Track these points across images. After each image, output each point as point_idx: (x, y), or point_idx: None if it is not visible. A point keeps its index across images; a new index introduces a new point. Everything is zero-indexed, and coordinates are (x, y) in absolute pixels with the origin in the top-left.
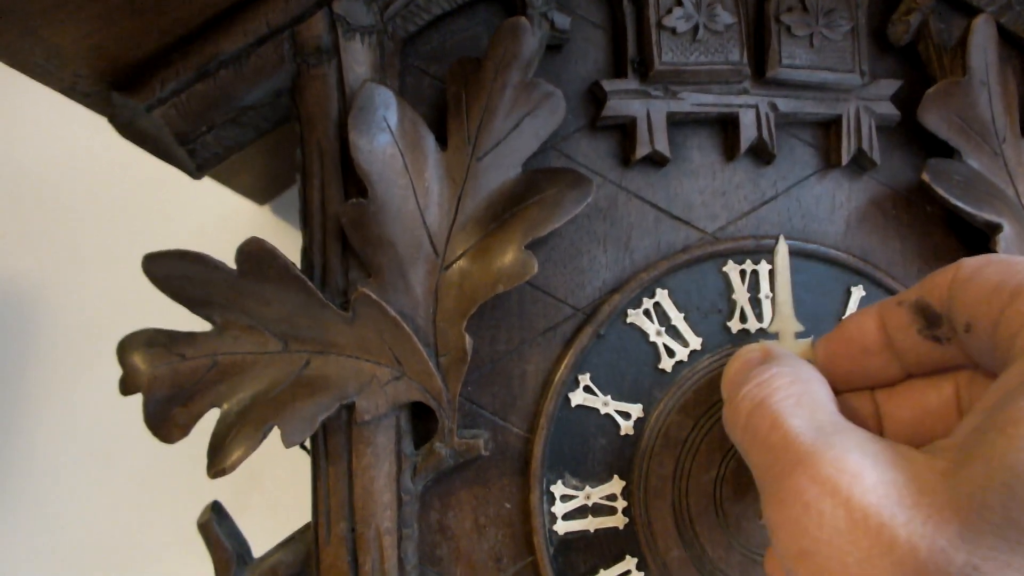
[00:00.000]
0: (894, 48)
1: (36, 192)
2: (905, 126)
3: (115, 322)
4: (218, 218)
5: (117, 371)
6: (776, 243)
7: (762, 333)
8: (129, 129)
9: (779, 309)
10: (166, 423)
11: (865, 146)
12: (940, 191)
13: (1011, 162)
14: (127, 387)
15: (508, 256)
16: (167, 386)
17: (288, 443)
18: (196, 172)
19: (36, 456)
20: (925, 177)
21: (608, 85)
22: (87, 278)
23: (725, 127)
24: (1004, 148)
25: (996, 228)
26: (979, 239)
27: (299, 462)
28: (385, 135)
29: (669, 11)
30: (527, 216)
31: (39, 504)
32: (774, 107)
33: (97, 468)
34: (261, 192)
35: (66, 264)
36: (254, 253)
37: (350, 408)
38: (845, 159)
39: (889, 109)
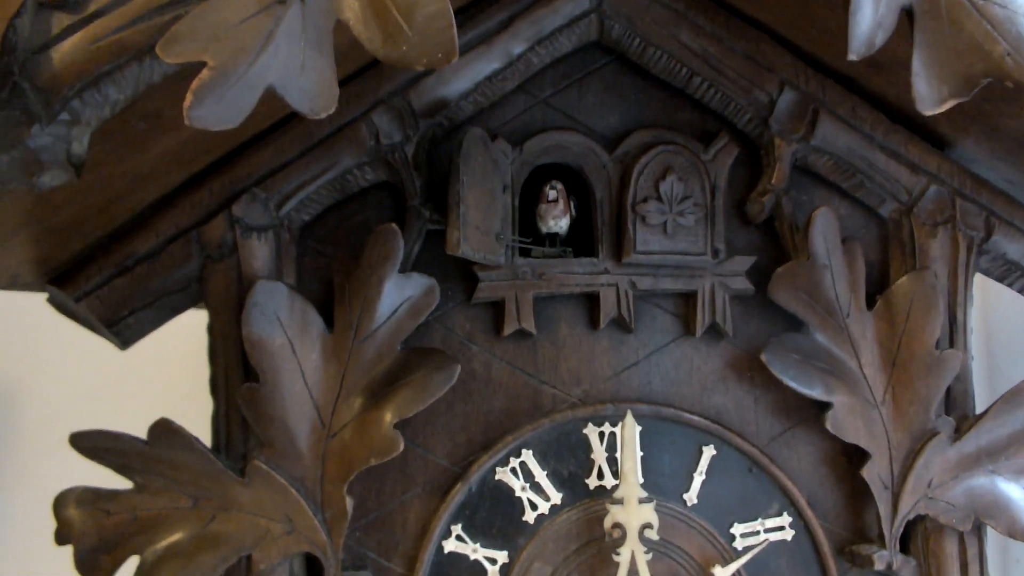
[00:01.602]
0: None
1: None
2: (762, 294)
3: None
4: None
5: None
6: (625, 417)
7: (616, 491)
8: (63, 310)
9: (625, 477)
10: (94, 569)
11: (719, 319)
12: (776, 371)
13: (855, 334)
14: (61, 539)
15: (380, 434)
16: (94, 537)
17: None
18: (122, 346)
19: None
20: (764, 358)
21: (481, 271)
22: (62, 373)
23: (591, 300)
24: (848, 322)
25: (826, 406)
26: None
27: None
28: (275, 327)
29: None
30: (398, 397)
31: None
32: (633, 285)
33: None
34: None
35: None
36: (162, 432)
37: (249, 558)
38: (699, 331)
39: (743, 284)
